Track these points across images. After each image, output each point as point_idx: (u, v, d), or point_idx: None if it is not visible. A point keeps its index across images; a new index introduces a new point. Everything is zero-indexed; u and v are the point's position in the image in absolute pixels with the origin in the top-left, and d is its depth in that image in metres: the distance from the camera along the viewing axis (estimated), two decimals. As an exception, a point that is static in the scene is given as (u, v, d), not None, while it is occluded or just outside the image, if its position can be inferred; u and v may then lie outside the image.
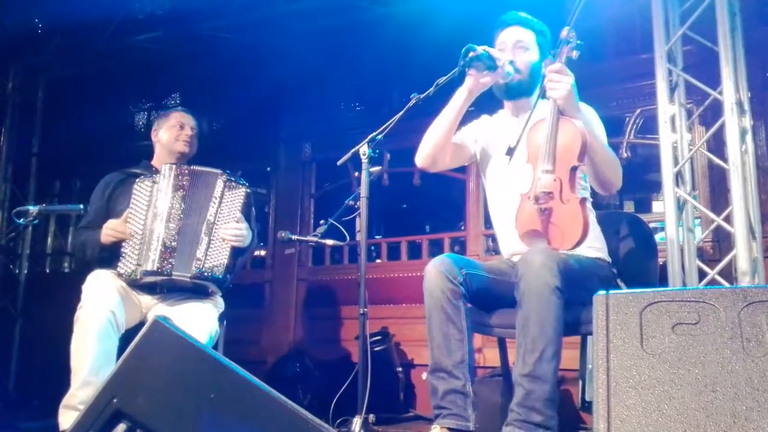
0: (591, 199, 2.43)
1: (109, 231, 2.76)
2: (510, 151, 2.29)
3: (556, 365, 2.08)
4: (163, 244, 2.72)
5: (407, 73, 4.75)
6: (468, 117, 2.70)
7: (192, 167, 2.91)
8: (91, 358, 2.44)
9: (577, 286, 2.17)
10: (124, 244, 2.74)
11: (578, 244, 2.19)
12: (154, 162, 3.13)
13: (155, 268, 2.70)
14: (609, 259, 2.50)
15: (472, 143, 2.65)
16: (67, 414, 2.43)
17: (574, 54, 2.27)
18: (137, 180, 2.85)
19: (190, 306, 2.77)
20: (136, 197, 2.82)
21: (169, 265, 2.72)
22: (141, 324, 2.75)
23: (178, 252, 2.75)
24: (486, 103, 2.69)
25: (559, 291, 2.07)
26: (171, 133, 3.10)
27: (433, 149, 2.50)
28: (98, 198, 3.01)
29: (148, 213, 2.78)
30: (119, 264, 2.74)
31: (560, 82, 2.21)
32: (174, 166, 2.88)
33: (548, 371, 2.05)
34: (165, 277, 2.74)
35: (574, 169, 2.20)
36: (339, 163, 2.53)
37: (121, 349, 1.51)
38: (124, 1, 4.89)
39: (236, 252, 2.87)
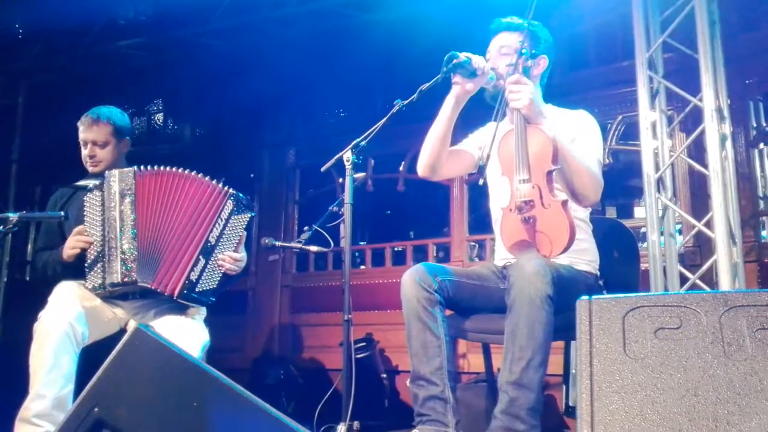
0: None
1: (71, 242, 2.68)
2: (481, 170, 2.34)
3: (542, 374, 2.07)
4: (123, 253, 2.66)
5: (391, 79, 4.76)
6: (476, 124, 2.72)
7: (146, 170, 2.78)
8: (45, 371, 2.39)
9: (566, 293, 2.14)
10: (87, 257, 2.67)
11: (567, 247, 2.17)
12: None
13: (120, 280, 2.64)
14: (597, 273, 2.51)
15: (476, 150, 2.67)
16: (22, 427, 2.37)
17: (530, 63, 2.31)
18: (87, 193, 2.76)
19: (175, 319, 2.72)
20: (88, 210, 2.73)
21: (133, 273, 2.65)
22: (121, 332, 2.71)
23: (143, 259, 2.67)
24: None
25: (551, 299, 2.06)
26: (83, 149, 3.00)
27: (429, 158, 2.53)
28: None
29: (104, 224, 2.70)
30: (87, 279, 2.67)
31: (520, 92, 2.23)
32: (117, 171, 2.77)
33: (534, 379, 2.05)
34: (132, 286, 2.69)
35: (550, 174, 2.21)
36: (323, 169, 2.53)
37: (98, 360, 1.48)
38: (106, 7, 4.85)
39: (228, 278, 2.80)
